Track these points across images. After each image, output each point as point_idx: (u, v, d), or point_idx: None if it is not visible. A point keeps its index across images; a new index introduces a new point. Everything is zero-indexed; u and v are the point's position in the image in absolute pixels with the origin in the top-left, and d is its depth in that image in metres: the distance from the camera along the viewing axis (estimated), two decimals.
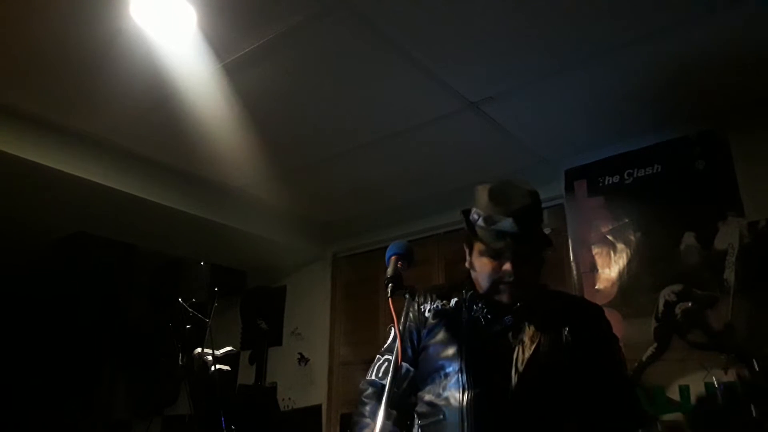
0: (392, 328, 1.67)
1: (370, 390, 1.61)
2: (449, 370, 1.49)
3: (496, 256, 1.48)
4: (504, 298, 1.51)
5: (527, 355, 1.44)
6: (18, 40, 2.27)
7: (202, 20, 2.14)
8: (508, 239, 1.45)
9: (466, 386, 1.44)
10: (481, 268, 1.53)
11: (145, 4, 2.07)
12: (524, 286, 1.49)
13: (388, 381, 1.32)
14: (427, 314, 1.60)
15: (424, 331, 1.59)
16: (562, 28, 2.19)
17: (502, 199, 1.49)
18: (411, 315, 1.59)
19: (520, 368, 1.42)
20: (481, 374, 1.45)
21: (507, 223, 1.45)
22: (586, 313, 1.58)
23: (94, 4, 2.07)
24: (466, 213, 1.57)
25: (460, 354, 1.49)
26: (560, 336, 1.47)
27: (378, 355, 1.67)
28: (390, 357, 1.62)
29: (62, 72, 2.46)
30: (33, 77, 2.52)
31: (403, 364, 1.57)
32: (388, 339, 1.68)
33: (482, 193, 1.53)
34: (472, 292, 1.58)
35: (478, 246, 1.52)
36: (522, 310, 1.51)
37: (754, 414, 2.24)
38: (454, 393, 1.45)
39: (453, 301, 1.60)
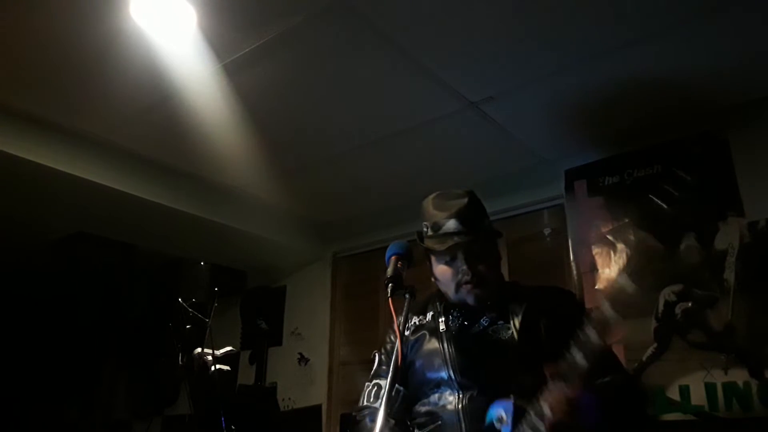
0: (375, 355, 1.72)
1: (366, 418, 1.62)
2: (439, 379, 1.52)
3: (450, 260, 1.56)
4: (470, 300, 1.56)
5: (518, 326, 1.51)
6: (18, 40, 2.27)
7: (202, 20, 2.14)
8: (455, 238, 1.53)
9: (459, 390, 1.48)
10: (441, 275, 1.60)
11: (145, 4, 2.07)
12: (484, 283, 1.55)
13: (388, 381, 1.33)
14: (406, 333, 1.64)
15: (408, 350, 1.63)
16: (562, 29, 2.19)
17: (442, 205, 1.60)
18: (393, 337, 1.65)
19: (516, 338, 1.49)
20: (470, 376, 1.48)
21: (451, 224, 1.54)
22: (557, 301, 1.63)
23: (94, 4, 2.07)
24: (419, 232, 1.65)
25: (445, 363, 1.52)
26: (538, 328, 1.51)
27: (367, 383, 1.69)
28: (379, 381, 1.65)
29: (62, 72, 2.46)
30: (33, 77, 2.52)
31: (395, 385, 1.58)
32: (374, 365, 1.71)
33: (426, 206, 1.64)
34: (444, 303, 1.63)
35: (434, 255, 1.60)
36: (495, 306, 1.56)
37: None
38: (448, 398, 1.49)
39: (429, 315, 1.65)
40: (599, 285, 2.83)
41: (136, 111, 2.75)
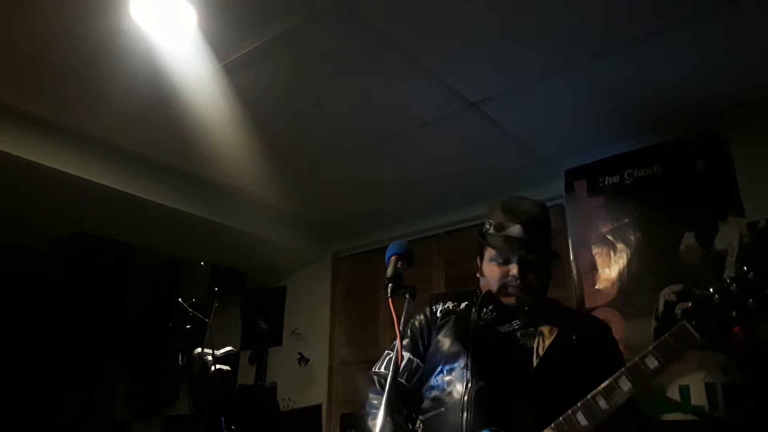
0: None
1: (378, 382, 1.63)
2: (454, 365, 1.53)
3: (504, 261, 1.59)
4: (511, 300, 1.58)
5: (548, 342, 1.50)
6: (18, 40, 2.27)
7: (202, 20, 2.14)
8: (515, 244, 1.55)
9: (470, 380, 1.48)
10: (490, 273, 1.62)
11: (145, 4, 2.07)
12: (530, 291, 1.57)
13: (388, 380, 1.32)
14: (438, 314, 1.67)
15: (433, 329, 1.66)
16: (562, 28, 2.19)
17: (513, 209, 1.62)
18: (423, 316, 1.70)
19: (541, 353, 1.48)
20: (486, 369, 1.49)
21: (515, 230, 1.56)
22: (593, 326, 1.66)
23: (94, 4, 2.07)
24: (480, 227, 1.68)
25: (466, 351, 1.53)
26: (570, 341, 1.51)
27: (387, 351, 1.70)
28: (402, 352, 1.65)
29: (62, 72, 2.46)
30: (33, 77, 2.52)
31: (415, 359, 1.62)
32: None
33: (495, 206, 1.66)
34: (483, 297, 1.64)
35: (488, 253, 1.63)
36: (531, 313, 1.57)
37: None
38: (457, 387, 1.49)
39: (463, 304, 1.67)
40: (599, 285, 2.83)
41: (136, 111, 2.75)
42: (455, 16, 2.12)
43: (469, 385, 1.47)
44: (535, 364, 1.47)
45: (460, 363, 1.52)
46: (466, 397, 1.45)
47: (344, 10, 2.09)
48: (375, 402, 1.57)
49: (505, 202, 1.65)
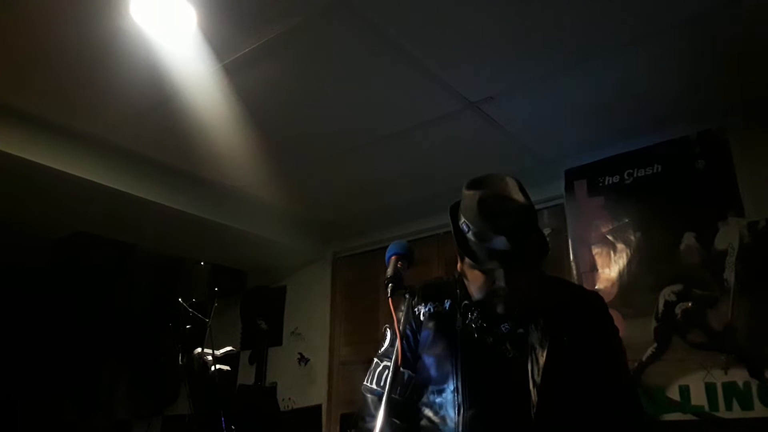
0: (387, 330, 1.63)
1: (371, 402, 1.56)
2: (444, 386, 1.46)
3: (488, 271, 1.41)
4: (499, 309, 1.46)
5: (542, 362, 1.40)
6: (18, 41, 2.27)
7: (202, 20, 2.14)
8: (501, 258, 1.37)
9: (462, 406, 1.42)
10: (473, 279, 1.47)
11: (145, 4, 2.07)
12: (520, 296, 1.43)
13: (387, 386, 1.30)
14: (421, 318, 1.56)
15: (419, 335, 1.56)
16: (561, 29, 2.19)
17: (494, 213, 1.38)
18: (407, 322, 1.53)
19: (538, 380, 1.39)
20: (477, 394, 1.42)
21: (500, 242, 1.36)
22: (585, 311, 1.53)
23: (94, 4, 2.07)
24: (454, 212, 1.51)
25: (455, 372, 1.45)
26: (563, 345, 1.42)
27: (376, 360, 1.62)
28: (389, 364, 1.55)
29: (62, 72, 2.46)
30: (33, 77, 2.52)
31: (405, 371, 1.52)
32: (384, 342, 1.63)
33: (471, 201, 1.43)
34: (466, 302, 1.53)
35: (468, 259, 1.44)
36: (519, 317, 1.47)
37: None
38: (449, 412, 1.43)
39: (447, 304, 1.56)
40: (599, 285, 2.83)
41: (136, 111, 2.75)
42: (455, 16, 2.12)
43: (462, 411, 1.41)
44: (533, 394, 1.37)
45: (450, 386, 1.44)
46: (461, 425, 1.39)
47: (344, 10, 2.09)
48: (372, 425, 1.47)
49: (484, 201, 1.40)
